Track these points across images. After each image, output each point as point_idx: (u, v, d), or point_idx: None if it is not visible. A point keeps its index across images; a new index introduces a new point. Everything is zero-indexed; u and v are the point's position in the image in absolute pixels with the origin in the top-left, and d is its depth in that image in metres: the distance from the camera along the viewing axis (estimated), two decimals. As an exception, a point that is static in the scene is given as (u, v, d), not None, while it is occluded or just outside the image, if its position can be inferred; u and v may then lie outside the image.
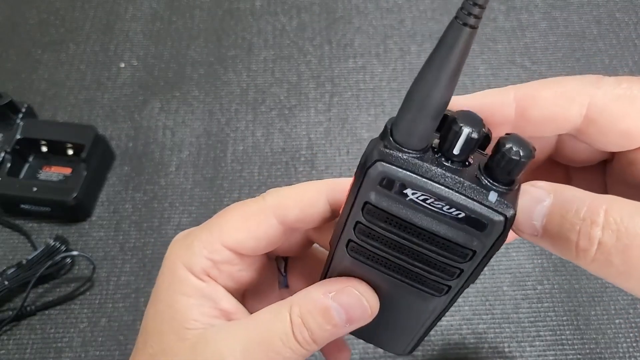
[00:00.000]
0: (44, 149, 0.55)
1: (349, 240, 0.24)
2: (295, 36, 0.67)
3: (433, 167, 0.21)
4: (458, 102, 0.23)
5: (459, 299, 0.49)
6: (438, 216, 0.21)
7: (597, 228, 0.19)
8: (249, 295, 0.32)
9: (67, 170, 0.55)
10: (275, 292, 0.33)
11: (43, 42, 0.68)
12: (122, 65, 0.66)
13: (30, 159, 0.56)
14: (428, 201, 0.21)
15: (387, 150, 0.21)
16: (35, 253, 0.49)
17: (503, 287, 0.50)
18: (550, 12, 0.69)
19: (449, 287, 0.24)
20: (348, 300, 0.26)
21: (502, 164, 0.20)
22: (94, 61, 0.66)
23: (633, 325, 0.48)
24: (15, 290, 0.49)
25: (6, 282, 0.48)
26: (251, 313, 0.28)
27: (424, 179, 0.21)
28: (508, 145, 0.20)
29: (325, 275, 0.27)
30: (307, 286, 0.32)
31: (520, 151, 0.20)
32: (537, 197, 0.21)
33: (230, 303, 0.28)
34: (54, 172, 0.55)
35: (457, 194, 0.20)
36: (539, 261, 0.51)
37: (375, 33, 0.68)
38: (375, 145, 0.21)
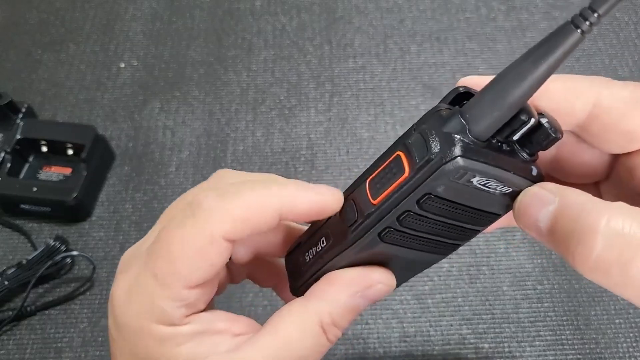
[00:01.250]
0: (44, 149, 0.55)
1: (386, 228, 0.24)
2: (295, 36, 0.67)
3: (500, 155, 0.21)
4: (469, 80, 0.23)
5: (459, 299, 0.49)
6: (489, 195, 0.22)
7: (598, 238, 0.19)
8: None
9: (67, 170, 0.55)
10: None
11: (43, 42, 0.68)
12: (122, 65, 0.66)
13: (30, 159, 0.56)
14: (488, 184, 0.22)
15: (466, 146, 0.21)
16: (35, 253, 0.49)
17: (503, 287, 0.50)
18: (551, 12, 0.69)
19: (458, 245, 0.26)
20: (375, 294, 0.26)
21: (541, 140, 0.21)
22: (94, 61, 0.66)
23: (633, 325, 0.48)
24: (15, 290, 0.49)
25: (6, 282, 0.48)
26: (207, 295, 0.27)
27: (495, 168, 0.21)
28: (548, 125, 0.21)
29: (326, 263, 0.26)
30: (249, 258, 0.29)
31: (557, 129, 0.21)
32: (544, 200, 0.21)
33: (219, 319, 0.26)
34: (54, 172, 0.55)
35: (515, 176, 0.22)
36: (539, 261, 0.51)
37: (375, 33, 0.68)
38: (446, 138, 0.21)
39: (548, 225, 0.21)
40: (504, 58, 0.64)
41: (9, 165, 0.53)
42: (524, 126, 0.21)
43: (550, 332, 0.48)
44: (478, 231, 0.25)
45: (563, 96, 0.23)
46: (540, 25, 0.67)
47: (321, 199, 0.25)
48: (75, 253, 0.51)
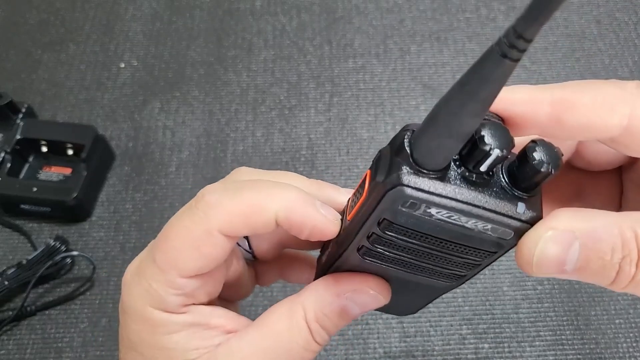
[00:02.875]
0: (44, 149, 0.55)
1: (362, 246, 0.24)
2: (295, 36, 0.67)
3: (460, 188, 0.20)
4: None
5: (459, 299, 0.49)
6: (465, 230, 0.21)
7: (633, 265, 0.19)
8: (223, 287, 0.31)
9: (67, 171, 0.55)
10: (243, 267, 0.32)
11: (43, 42, 0.68)
12: (122, 65, 0.66)
13: (30, 159, 0.56)
14: (454, 217, 0.20)
15: (409, 175, 0.20)
16: (36, 253, 0.49)
17: (503, 288, 0.50)
18: (550, 12, 0.69)
19: (464, 275, 0.24)
20: (364, 299, 0.25)
21: (530, 174, 0.20)
22: (94, 61, 0.66)
23: (633, 325, 0.48)
24: (15, 290, 0.49)
25: (6, 282, 0.48)
26: (227, 298, 0.27)
27: (451, 201, 0.20)
28: (538, 158, 0.19)
29: (330, 266, 0.27)
30: (277, 252, 0.30)
31: (551, 163, 0.19)
32: (566, 243, 0.20)
33: (220, 316, 0.26)
34: (54, 172, 0.55)
35: (486, 212, 0.20)
36: (539, 261, 0.51)
37: (375, 33, 0.68)
38: (392, 165, 0.20)
39: (577, 266, 0.20)
40: (504, 58, 0.64)
41: (9, 165, 0.53)
42: (487, 157, 0.19)
43: (550, 332, 0.48)
44: (480, 264, 0.23)
45: (594, 111, 0.21)
46: (540, 26, 0.67)
47: (318, 218, 0.24)
48: (75, 253, 0.51)
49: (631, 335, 0.47)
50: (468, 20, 0.68)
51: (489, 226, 0.20)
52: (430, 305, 0.49)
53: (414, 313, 0.32)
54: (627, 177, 0.26)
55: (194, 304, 0.26)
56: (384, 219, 0.21)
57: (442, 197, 0.20)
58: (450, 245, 0.22)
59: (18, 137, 0.54)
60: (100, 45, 0.67)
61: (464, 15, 0.68)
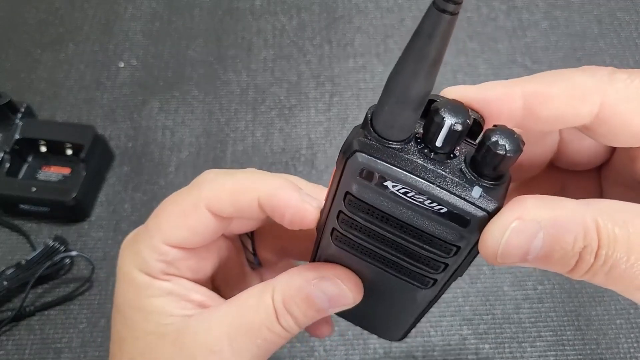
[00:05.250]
0: (43, 149, 0.55)
1: (333, 229, 0.24)
2: (295, 36, 0.67)
3: (414, 160, 0.20)
4: (463, 92, 0.22)
5: (459, 299, 0.49)
6: (420, 210, 0.20)
7: (592, 255, 0.19)
8: (220, 281, 0.32)
9: (66, 170, 0.55)
10: (248, 272, 0.33)
11: (42, 42, 0.67)
12: (122, 65, 0.65)
13: (30, 159, 0.56)
14: (409, 194, 0.20)
15: (367, 141, 0.20)
16: (35, 253, 0.49)
17: (504, 287, 0.50)
18: (551, 12, 0.69)
19: (435, 280, 0.24)
20: (330, 288, 0.26)
21: (487, 158, 0.19)
22: (93, 61, 0.66)
23: (634, 325, 0.48)
24: (14, 290, 0.49)
25: (5, 283, 0.47)
26: (226, 298, 0.28)
27: (403, 172, 0.20)
28: (494, 139, 0.19)
29: (314, 258, 0.27)
30: (281, 260, 0.32)
31: (507, 145, 0.19)
32: (531, 233, 0.19)
33: (201, 293, 0.28)
34: (53, 172, 0.55)
35: (438, 188, 0.20)
36: (540, 261, 0.51)
37: (376, 32, 0.67)
38: (355, 135, 0.20)
39: (540, 255, 0.20)
40: (504, 57, 0.64)
41: (8, 165, 0.53)
42: (440, 129, 0.19)
43: (551, 333, 0.48)
44: (440, 261, 0.22)
45: (566, 101, 0.21)
46: (541, 25, 0.67)
47: (298, 204, 0.25)
48: (74, 253, 0.51)
49: (632, 335, 0.47)
50: (469, 19, 0.68)
51: (445, 209, 0.20)
52: (430, 305, 0.49)
53: (400, 340, 0.31)
54: (605, 175, 0.26)
55: (176, 275, 0.27)
56: (347, 192, 0.21)
57: (395, 166, 0.20)
58: (411, 230, 0.21)
59: (17, 136, 0.54)
60: (99, 45, 0.67)
61: (464, 14, 0.68)
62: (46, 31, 0.68)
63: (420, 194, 0.20)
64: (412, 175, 0.20)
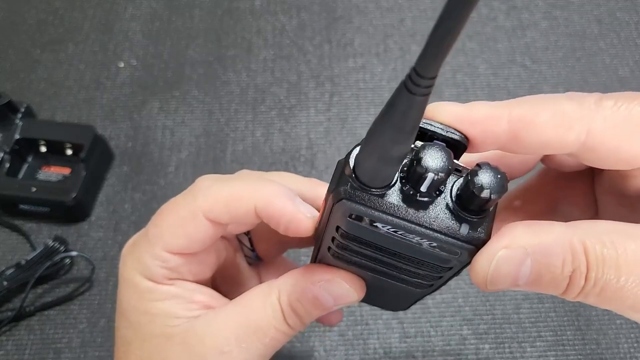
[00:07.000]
0: (43, 149, 0.55)
1: (329, 247, 0.24)
2: (295, 36, 0.67)
3: (401, 205, 0.20)
4: (451, 110, 0.22)
5: (460, 299, 0.49)
6: (412, 244, 0.21)
7: (582, 278, 0.19)
8: (219, 279, 0.32)
9: (66, 171, 0.55)
10: (245, 267, 0.34)
11: (42, 42, 0.67)
12: (121, 65, 0.65)
13: (29, 159, 0.56)
14: (399, 232, 0.21)
15: (352, 190, 0.20)
16: (34, 253, 0.49)
17: (504, 288, 0.50)
18: (551, 12, 0.68)
19: (432, 284, 0.25)
20: (335, 289, 0.26)
21: (474, 200, 0.20)
22: (93, 61, 0.66)
23: (634, 325, 0.48)
24: (14, 290, 0.49)
25: (5, 283, 0.47)
26: (228, 296, 0.29)
27: (391, 217, 0.20)
28: (478, 184, 0.20)
29: (314, 260, 0.28)
30: (279, 256, 0.33)
31: (492, 189, 0.19)
32: (518, 260, 0.20)
33: (204, 293, 0.28)
34: (53, 172, 0.55)
35: (427, 230, 0.20)
36: (540, 261, 0.51)
37: (376, 32, 0.67)
38: (340, 178, 0.21)
39: (530, 280, 0.20)
40: (504, 57, 0.64)
41: (7, 165, 0.53)
42: (424, 180, 0.20)
43: (551, 333, 0.47)
44: (442, 277, 0.24)
45: (551, 130, 0.21)
46: (541, 25, 0.67)
47: (294, 213, 0.25)
48: (74, 253, 0.51)
49: (632, 336, 0.47)
50: (469, 19, 0.68)
51: (435, 244, 0.21)
52: (430, 305, 0.49)
53: (405, 309, 0.32)
54: (597, 182, 0.26)
55: (179, 278, 0.28)
56: (338, 226, 0.22)
57: (382, 212, 0.20)
58: (405, 256, 0.22)
59: (17, 137, 0.54)
60: (99, 45, 0.67)
61: (464, 14, 0.68)
62: (46, 31, 0.68)
63: (411, 234, 0.21)
64: (400, 220, 0.20)
